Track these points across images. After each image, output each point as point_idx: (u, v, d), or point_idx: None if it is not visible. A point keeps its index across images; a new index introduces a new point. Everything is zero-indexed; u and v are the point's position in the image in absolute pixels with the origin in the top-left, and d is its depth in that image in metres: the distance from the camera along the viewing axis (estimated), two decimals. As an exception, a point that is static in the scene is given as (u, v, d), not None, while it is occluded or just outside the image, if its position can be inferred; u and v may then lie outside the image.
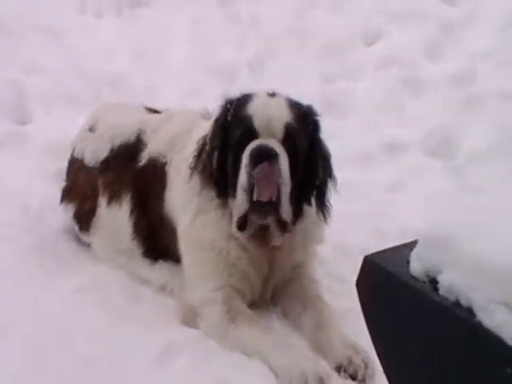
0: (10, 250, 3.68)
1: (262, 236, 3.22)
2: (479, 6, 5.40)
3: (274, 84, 3.63)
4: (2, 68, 5.22)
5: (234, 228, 3.20)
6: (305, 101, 3.36)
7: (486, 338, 1.27)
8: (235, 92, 3.35)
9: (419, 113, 4.60)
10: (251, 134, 3.14)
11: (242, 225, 3.16)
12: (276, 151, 3.06)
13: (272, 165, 3.01)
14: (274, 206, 3.06)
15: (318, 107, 3.37)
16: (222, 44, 5.46)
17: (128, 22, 5.83)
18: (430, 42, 5.14)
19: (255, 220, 3.13)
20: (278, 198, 3.06)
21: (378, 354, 1.57)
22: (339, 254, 3.54)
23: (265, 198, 3.01)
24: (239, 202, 3.12)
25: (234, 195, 3.16)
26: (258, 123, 3.14)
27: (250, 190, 3.04)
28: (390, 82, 4.85)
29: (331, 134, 3.44)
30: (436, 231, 1.43)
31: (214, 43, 5.48)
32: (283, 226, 3.16)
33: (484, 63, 4.82)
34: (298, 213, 3.26)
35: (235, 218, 3.17)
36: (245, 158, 3.08)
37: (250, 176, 3.03)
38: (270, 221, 3.14)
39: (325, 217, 3.34)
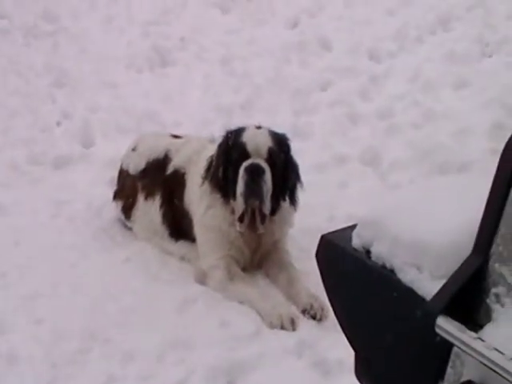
0: (79, 233, 3.67)
1: (251, 225, 3.20)
2: (396, 63, 5.42)
3: (260, 119, 3.61)
4: (75, 108, 5.18)
5: (236, 221, 3.18)
6: (280, 130, 3.34)
7: (403, 290, 1.27)
8: (233, 125, 3.33)
9: (357, 136, 4.60)
10: (245, 155, 3.12)
11: (241, 218, 3.15)
12: (263, 167, 3.06)
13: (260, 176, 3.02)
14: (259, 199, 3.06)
15: (289, 134, 3.36)
16: (223, 91, 5.42)
17: (160, 76, 5.79)
18: (362, 88, 5.13)
19: (250, 205, 3.09)
20: (262, 198, 3.05)
21: (330, 302, 1.56)
22: (304, 234, 3.50)
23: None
24: (239, 204, 3.11)
25: (233, 197, 3.14)
26: (249, 147, 3.13)
27: (245, 195, 3.04)
28: (336, 115, 4.85)
29: (298, 152, 3.44)
30: (368, 217, 1.42)
31: (218, 90, 5.45)
32: (263, 218, 3.16)
33: (399, 103, 4.84)
34: (276, 206, 3.24)
35: (237, 215, 3.15)
36: (241, 172, 3.07)
37: (245, 185, 3.03)
38: (256, 209, 3.12)
39: (295, 208, 3.34)
